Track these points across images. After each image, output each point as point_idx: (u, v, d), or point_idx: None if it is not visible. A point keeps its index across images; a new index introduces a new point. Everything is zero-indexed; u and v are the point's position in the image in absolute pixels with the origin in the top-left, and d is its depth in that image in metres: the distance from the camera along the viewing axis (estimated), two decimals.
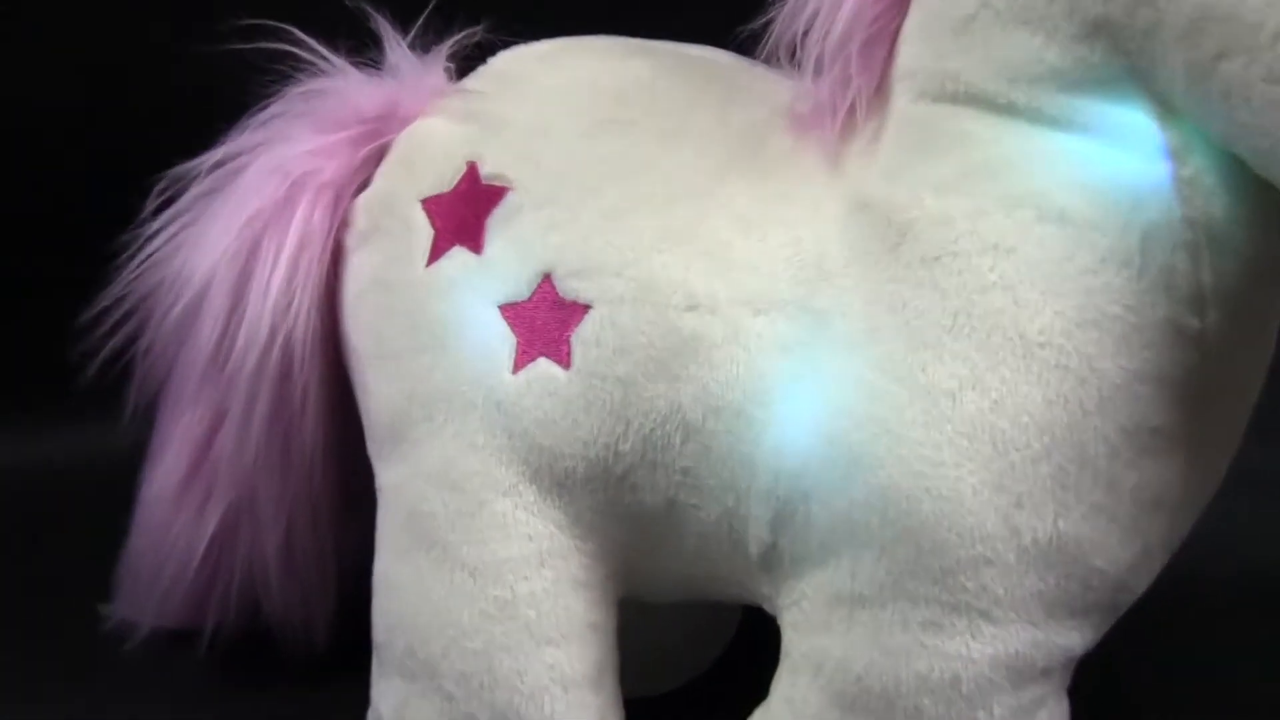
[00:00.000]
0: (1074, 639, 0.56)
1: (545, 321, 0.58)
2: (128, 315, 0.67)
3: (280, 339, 0.64)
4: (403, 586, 0.63)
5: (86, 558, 0.72)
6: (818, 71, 0.57)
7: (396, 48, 0.66)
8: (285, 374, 0.65)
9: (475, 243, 0.60)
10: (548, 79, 0.64)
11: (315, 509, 0.70)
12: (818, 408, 0.55)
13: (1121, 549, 0.54)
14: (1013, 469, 0.52)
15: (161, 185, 0.65)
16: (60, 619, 0.74)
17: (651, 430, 0.57)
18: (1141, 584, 0.57)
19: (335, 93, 0.67)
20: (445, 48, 0.66)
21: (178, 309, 0.66)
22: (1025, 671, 0.55)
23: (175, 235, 0.66)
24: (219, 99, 0.64)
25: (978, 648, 0.54)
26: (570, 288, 0.57)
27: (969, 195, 0.53)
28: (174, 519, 0.70)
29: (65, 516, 0.78)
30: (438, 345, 0.61)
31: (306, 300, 0.64)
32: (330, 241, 0.65)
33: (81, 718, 0.71)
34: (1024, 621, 0.54)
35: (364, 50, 0.66)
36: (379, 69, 0.66)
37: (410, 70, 0.66)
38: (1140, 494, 0.54)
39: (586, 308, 0.57)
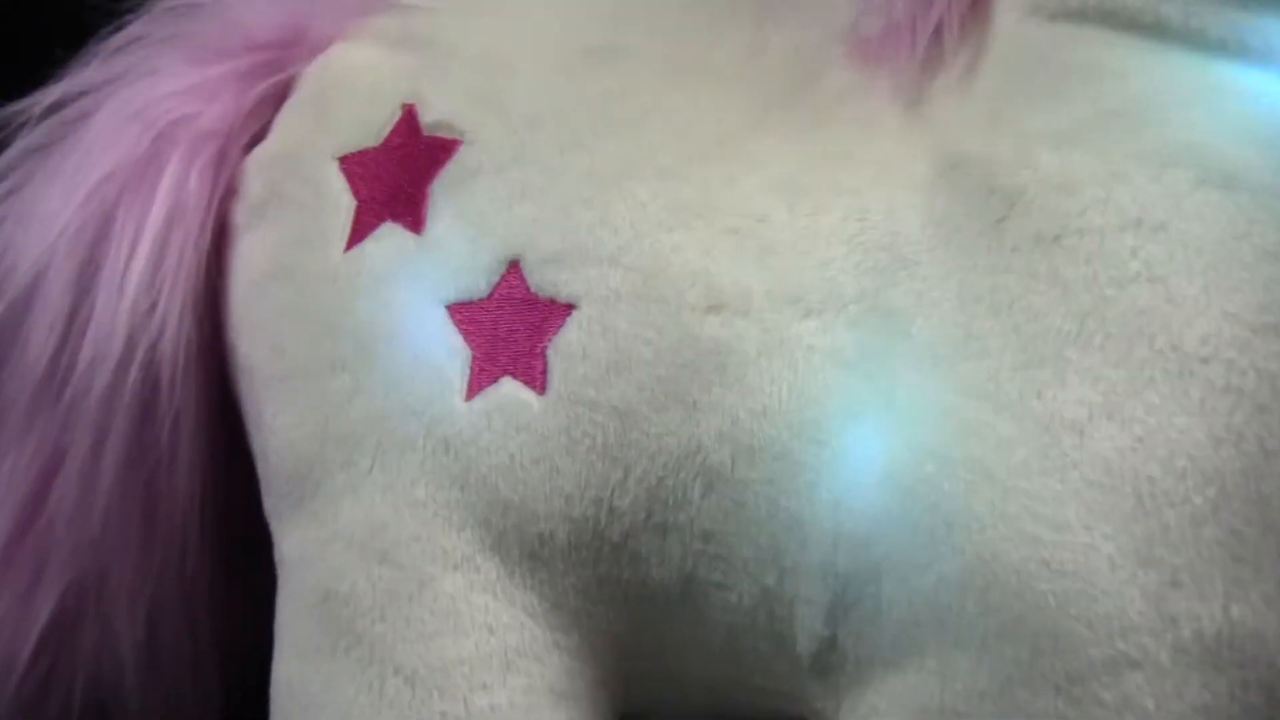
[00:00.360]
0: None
1: (512, 327, 0.47)
2: None
3: (140, 354, 0.51)
4: (311, 698, 0.51)
5: None
6: None
7: None
8: (147, 402, 0.52)
9: (414, 218, 0.49)
10: None
11: (188, 591, 0.57)
12: (892, 447, 0.44)
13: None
14: (1166, 533, 0.43)
15: None
16: None
17: (660, 480, 0.46)
18: None
19: (218, 9, 0.56)
20: None
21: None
22: None
23: None
24: (55, 19, 0.55)
25: None
26: (546, 280, 0.47)
27: (1101, 151, 0.44)
28: None
29: None
30: (362, 361, 0.49)
31: (177, 298, 0.52)
32: (211, 216, 0.53)
33: None
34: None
35: None
36: None
37: None
38: None
39: (569, 308, 0.47)
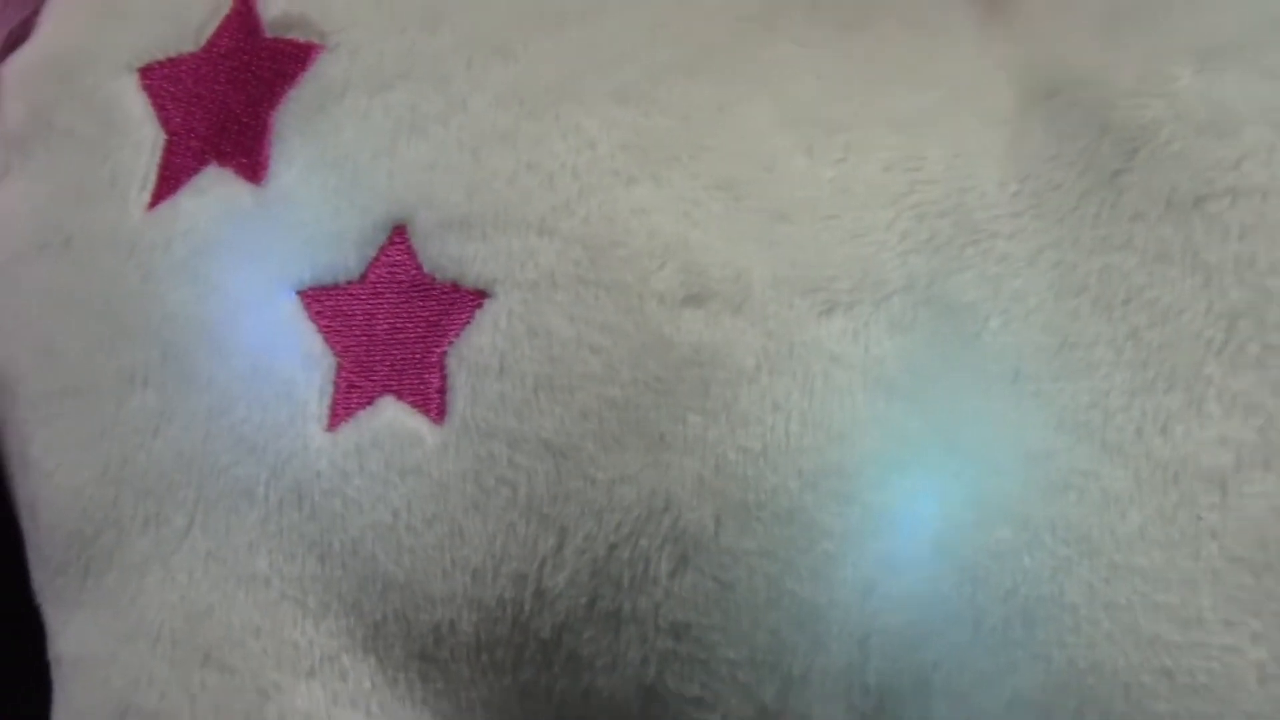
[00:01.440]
0: None
1: (395, 324, 0.34)
2: None
3: None
4: None
5: None
6: None
7: None
8: None
9: (251, 160, 0.35)
10: None
11: None
12: (950, 506, 0.33)
13: None
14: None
15: None
16: None
17: (612, 549, 0.34)
18: None
19: None
20: None
21: None
22: None
23: None
24: None
25: None
26: (447, 255, 0.33)
27: (1269, 74, 0.33)
28: None
29: None
30: (174, 372, 0.35)
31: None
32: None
33: None
34: None
35: None
36: None
37: None
38: None
39: (480, 296, 0.33)
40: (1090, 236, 0.33)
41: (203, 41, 0.36)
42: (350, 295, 0.33)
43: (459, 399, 0.33)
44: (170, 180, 0.34)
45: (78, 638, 0.37)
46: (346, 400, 0.33)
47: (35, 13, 0.38)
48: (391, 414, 0.33)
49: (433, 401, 0.33)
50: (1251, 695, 0.32)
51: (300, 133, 0.35)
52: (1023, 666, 0.33)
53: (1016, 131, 0.34)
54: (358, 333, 0.34)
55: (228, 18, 0.36)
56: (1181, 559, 0.31)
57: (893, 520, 0.33)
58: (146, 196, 0.35)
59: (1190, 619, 0.32)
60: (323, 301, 0.33)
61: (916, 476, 0.33)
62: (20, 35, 0.38)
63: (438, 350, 0.33)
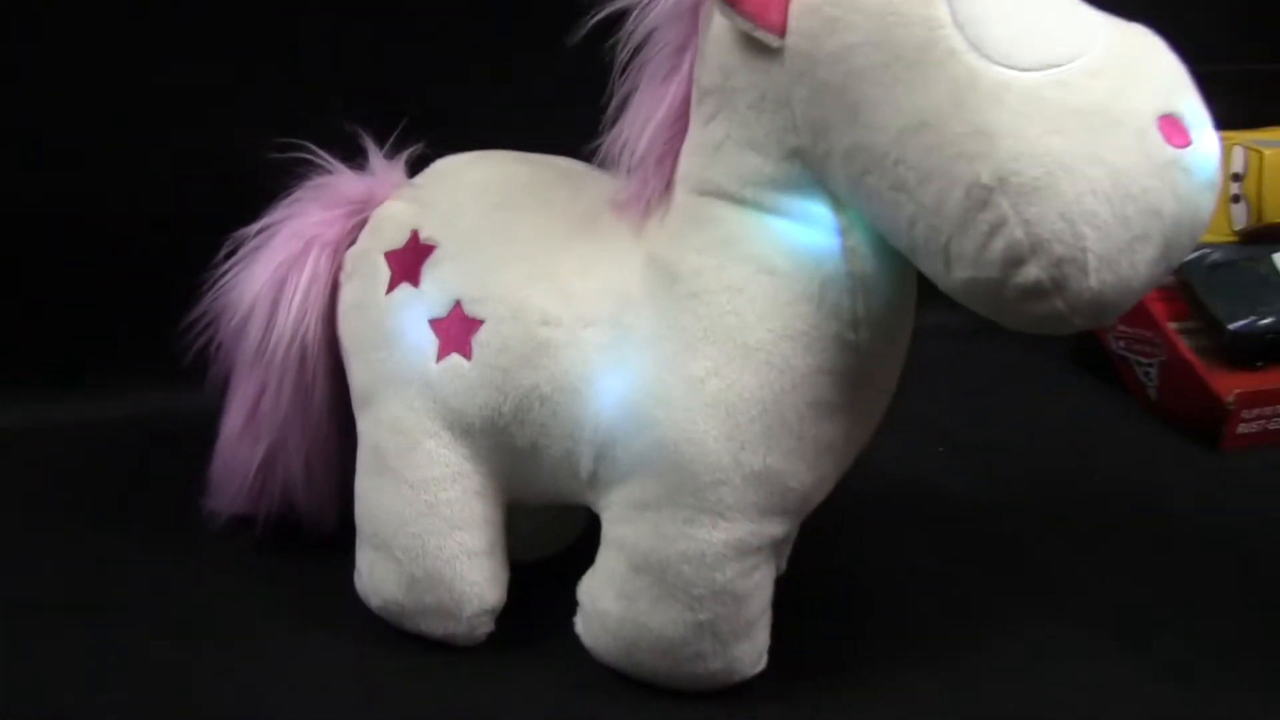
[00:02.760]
0: (777, 529, 0.68)
1: (456, 331, 0.70)
2: (210, 322, 0.78)
3: (298, 341, 0.76)
4: (370, 493, 0.74)
5: (190, 473, 0.85)
6: (629, 175, 0.67)
7: (375, 155, 0.79)
8: (301, 363, 0.77)
9: (415, 280, 0.72)
10: (461, 177, 0.75)
11: (323, 445, 0.80)
12: (622, 387, 0.67)
13: (807, 476, 0.66)
14: (739, 427, 0.64)
15: (230, 242, 0.78)
16: (171, 510, 0.87)
17: (520, 399, 0.68)
18: (820, 496, 0.69)
19: (334, 184, 0.78)
20: (403, 156, 0.79)
21: (236, 320, 0.77)
22: (745, 549, 0.67)
23: (236, 273, 0.77)
24: (266, 186, 0.78)
25: (716, 535, 0.66)
26: (472, 310, 0.69)
27: (716, 255, 0.64)
28: (237, 451, 0.81)
29: (175, 448, 0.90)
30: (391, 345, 0.72)
31: (314, 316, 0.76)
32: (330, 279, 0.76)
33: (182, 571, 0.83)
34: (745, 520, 0.66)
35: (355, 157, 0.79)
36: (364, 169, 0.78)
37: (382, 170, 0.78)
38: (819, 443, 0.65)
39: (481, 322, 0.69)
40: (664, 304, 0.64)
41: (403, 244, 0.72)
42: (443, 322, 0.69)
43: (474, 354, 0.68)
44: (391, 286, 0.72)
45: (362, 425, 0.74)
46: (441, 354, 0.69)
47: (356, 236, 0.76)
48: (455, 359, 0.68)
49: (467, 354, 0.68)
50: (712, 446, 0.65)
51: (429, 273, 0.71)
52: (644, 436, 0.65)
53: (643, 272, 0.65)
54: (445, 333, 0.69)
55: (410, 238, 0.72)
56: (690, 403, 0.63)
57: (605, 393, 0.66)
58: (385, 291, 0.72)
59: (692, 422, 0.64)
60: (435, 324, 0.69)
61: (612, 379, 0.65)
62: (352, 242, 0.76)
63: (469, 338, 0.68)
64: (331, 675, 0.74)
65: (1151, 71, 0.57)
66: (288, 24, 1.00)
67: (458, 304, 0.70)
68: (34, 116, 0.98)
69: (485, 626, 0.75)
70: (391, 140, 0.79)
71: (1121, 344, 1.15)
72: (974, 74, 0.56)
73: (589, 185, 0.72)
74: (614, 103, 0.68)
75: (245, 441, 0.81)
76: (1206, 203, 0.58)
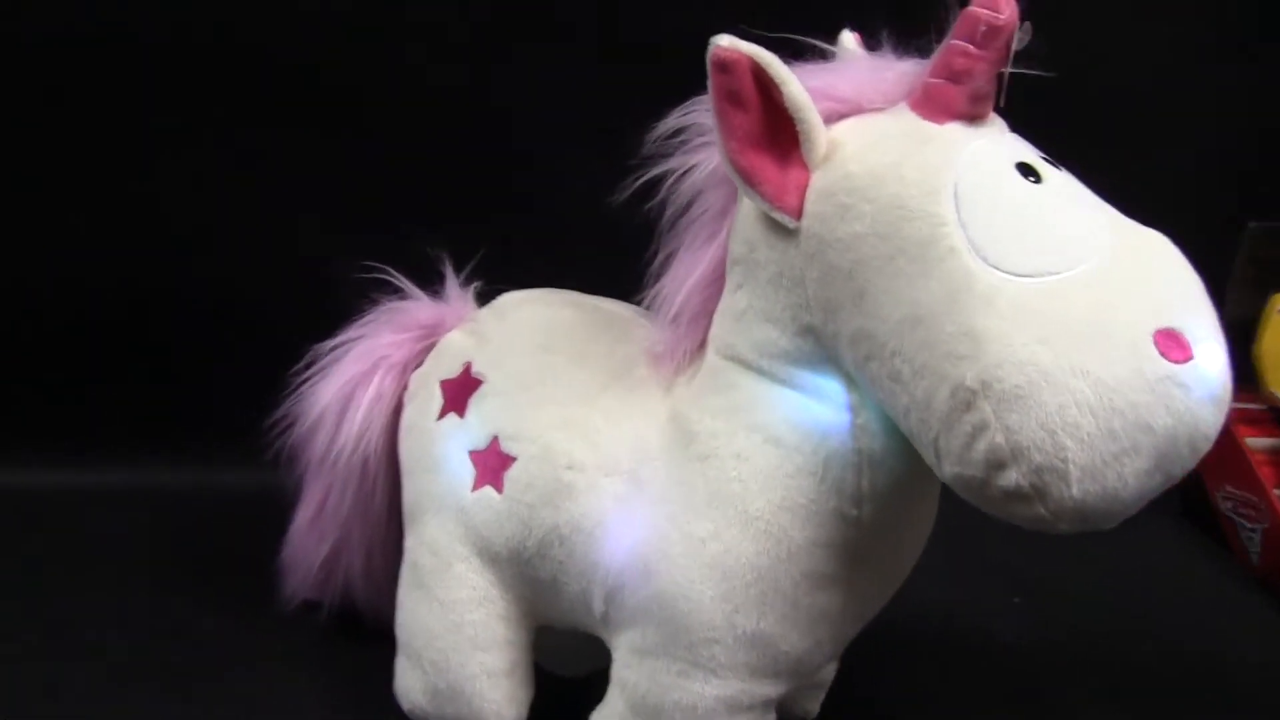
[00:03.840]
0: (769, 690, 0.67)
1: (491, 464, 0.72)
2: (290, 425, 0.82)
3: (360, 453, 0.79)
4: (406, 605, 0.77)
5: (268, 556, 0.90)
6: (666, 330, 0.68)
7: (452, 283, 0.82)
8: (363, 473, 0.80)
9: (461, 411, 0.74)
10: (516, 315, 0.77)
11: (382, 546, 0.83)
12: (632, 537, 0.67)
13: (800, 642, 0.66)
14: (734, 590, 0.64)
15: (309, 356, 0.82)
16: (252, 593, 0.92)
17: (543, 536, 0.70)
18: (817, 661, 0.69)
19: (408, 309, 0.81)
20: (472, 289, 0.82)
21: (308, 425, 0.81)
22: (737, 706, 0.67)
23: (312, 383, 0.81)
24: (345, 306, 0.82)
25: (708, 689, 0.66)
26: (507, 446, 0.71)
27: (728, 420, 0.64)
28: (305, 543, 0.85)
29: (256, 531, 0.93)
30: (436, 469, 0.75)
31: (377, 430, 0.79)
32: (395, 398, 0.79)
33: (245, 646, 0.89)
34: (736, 679, 0.66)
35: (432, 281, 0.83)
36: (439, 295, 0.82)
37: (455, 298, 0.81)
38: (812, 611, 0.65)
39: (514, 459, 0.71)
40: (678, 462, 0.65)
41: (457, 374, 0.75)
42: (481, 454, 0.71)
43: (505, 488, 0.70)
44: (442, 414, 0.74)
45: (407, 540, 0.76)
46: (477, 485, 0.71)
47: (422, 360, 0.79)
48: (488, 490, 0.70)
49: (499, 488, 0.70)
50: (708, 605, 0.64)
51: (474, 405, 0.73)
52: (646, 586, 0.65)
53: (664, 427, 0.66)
54: (482, 464, 0.71)
55: (463, 369, 0.74)
56: (690, 562, 0.64)
57: (617, 540, 0.66)
58: (436, 417, 0.74)
59: (690, 580, 0.64)
60: (474, 455, 0.72)
61: (624, 528, 0.66)
62: (418, 365, 0.80)
63: (502, 473, 0.70)
64: None
65: (1153, 284, 0.56)
66: (388, 148, 1.08)
67: (495, 439, 0.72)
68: (167, 206, 1.10)
69: None
70: (467, 270, 0.83)
71: (1229, 505, 1.10)
72: (970, 275, 0.56)
73: (631, 334, 0.73)
74: (658, 259, 0.68)
75: (312, 536, 0.85)
76: (1209, 417, 0.56)
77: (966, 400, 0.55)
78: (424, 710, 0.78)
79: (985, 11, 0.58)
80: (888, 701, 0.85)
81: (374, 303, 0.82)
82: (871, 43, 0.66)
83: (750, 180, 0.61)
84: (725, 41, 0.58)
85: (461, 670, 0.75)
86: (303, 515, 0.85)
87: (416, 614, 0.77)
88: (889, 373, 0.57)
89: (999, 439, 0.54)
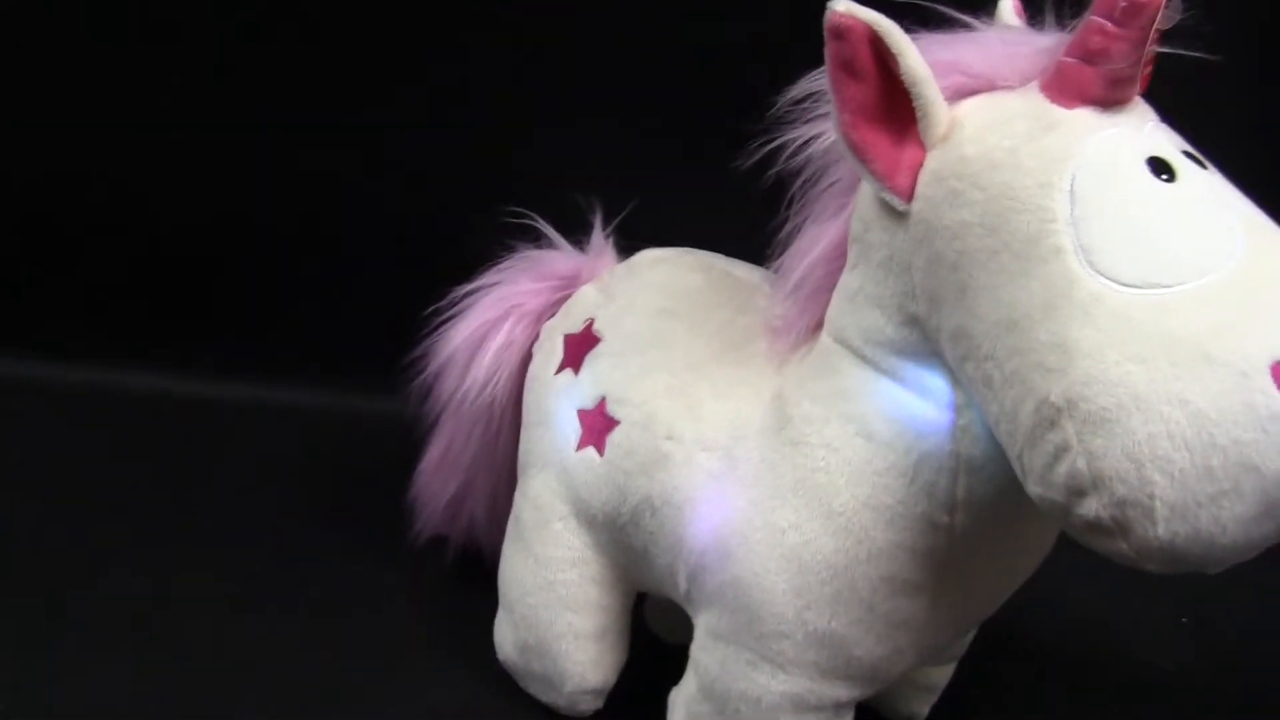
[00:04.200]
0: (840, 693, 0.65)
1: (597, 425, 0.71)
2: (426, 365, 0.83)
3: (487, 396, 0.79)
4: (506, 556, 0.79)
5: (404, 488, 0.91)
6: (785, 304, 0.66)
7: (598, 234, 0.81)
8: (489, 418, 0.81)
9: (577, 368, 0.74)
10: (646, 274, 0.76)
11: (507, 490, 0.82)
12: (718, 517, 0.66)
13: (876, 647, 0.63)
14: (808, 585, 0.62)
15: (445, 299, 0.82)
16: (384, 525, 0.94)
17: (637, 504, 0.69)
18: (898, 668, 0.65)
19: (547, 258, 0.82)
20: (611, 242, 0.81)
21: (439, 366, 0.81)
22: (803, 705, 0.65)
23: (447, 327, 0.81)
24: (489, 250, 0.83)
25: (775, 684, 0.65)
26: (613, 409, 0.70)
27: (826, 407, 0.62)
28: (433, 482, 0.86)
29: (398, 465, 0.93)
30: (546, 423, 0.75)
31: (504, 377, 0.79)
32: (525, 347, 0.79)
33: (369, 578, 0.91)
34: (804, 676, 0.64)
35: (581, 231, 0.82)
36: (582, 246, 0.82)
37: (598, 251, 0.81)
38: (891, 617, 0.62)
39: (618, 422, 0.70)
40: (772, 444, 0.62)
41: (580, 330, 0.74)
42: (587, 413, 0.70)
43: (607, 451, 0.69)
44: (560, 369, 0.74)
45: (519, 490, 0.76)
46: (581, 445, 0.70)
47: (556, 311, 0.80)
48: (590, 451, 0.70)
49: (601, 450, 0.69)
50: (780, 597, 0.62)
51: (589, 364, 0.72)
52: (725, 570, 0.64)
53: (767, 407, 0.63)
54: (588, 425, 0.70)
55: (586, 325, 0.74)
56: (768, 551, 0.62)
57: (705, 518, 0.65)
58: (554, 371, 0.74)
59: (766, 570, 0.62)
60: (581, 414, 0.71)
61: (713, 506, 0.64)
62: (551, 315, 0.79)
63: (605, 436, 0.69)
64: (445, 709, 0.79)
65: None
66: (546, 95, 1.06)
67: (603, 400, 0.71)
68: (332, 143, 1.12)
69: (587, 704, 0.77)
70: (616, 222, 0.81)
71: None
72: (1072, 281, 0.51)
73: (756, 304, 0.71)
74: (786, 228, 0.66)
75: (440, 475, 0.86)
76: None
77: (1051, 417, 0.50)
78: (514, 663, 0.79)
79: None
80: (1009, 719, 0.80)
81: (512, 249, 0.82)
82: (1034, 15, 0.61)
83: (862, 156, 0.57)
84: (842, 6, 0.54)
85: (550, 628, 0.75)
86: (432, 453, 0.86)
87: (514, 566, 0.77)
88: (982, 377, 0.53)
89: (1080, 464, 0.49)
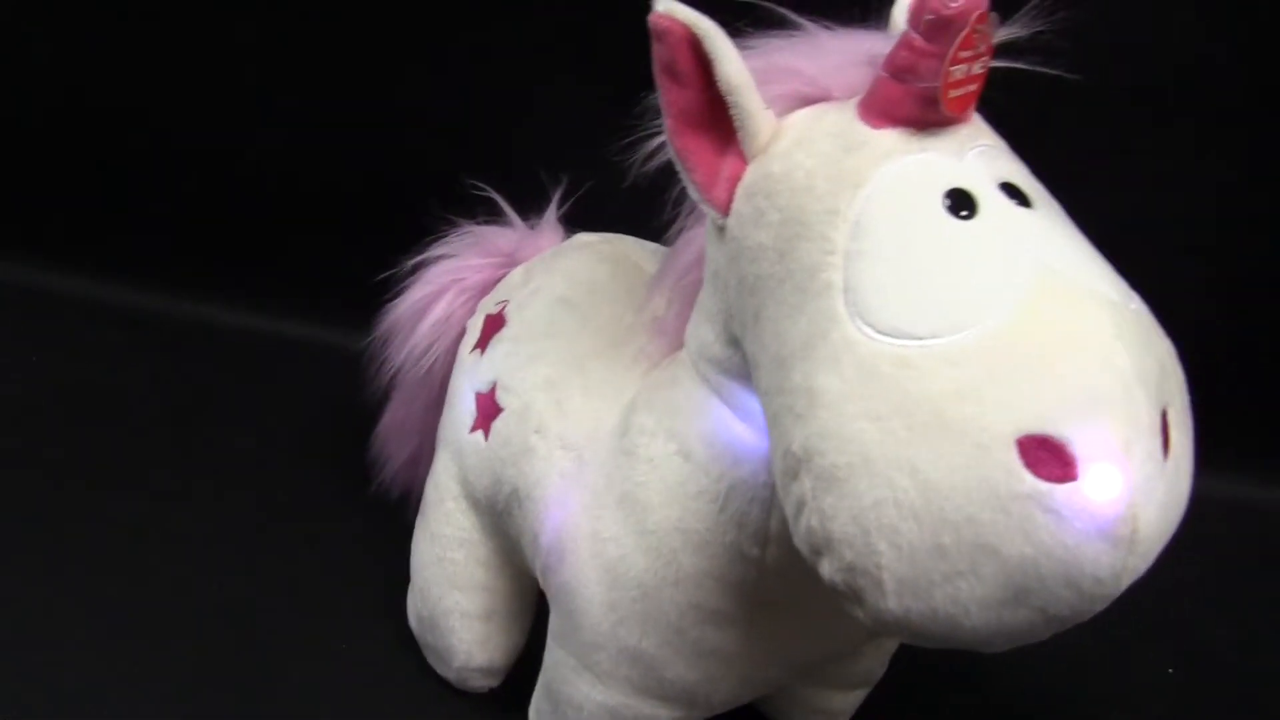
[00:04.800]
0: (659, 712, 0.63)
1: (487, 410, 0.70)
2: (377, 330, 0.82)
3: (424, 365, 0.79)
4: (416, 528, 0.79)
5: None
6: (662, 305, 0.63)
7: (552, 211, 0.81)
8: (428, 387, 0.80)
9: (483, 349, 0.73)
10: (564, 260, 0.74)
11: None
12: (561, 517, 0.64)
13: (687, 672, 0.61)
14: (621, 601, 0.60)
15: (396, 270, 0.81)
16: (343, 479, 0.95)
17: (509, 494, 0.68)
18: (717, 697, 0.62)
19: (494, 235, 0.80)
20: (558, 221, 0.80)
21: (385, 334, 0.81)
22: (623, 717, 0.63)
23: (396, 299, 0.81)
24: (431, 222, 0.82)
25: (594, 694, 0.63)
26: (500, 395, 0.69)
27: (658, 420, 0.60)
28: (389, 442, 0.87)
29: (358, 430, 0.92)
30: (452, 402, 0.75)
31: (441, 349, 0.78)
32: (462, 321, 0.78)
33: (345, 522, 0.92)
34: (620, 692, 0.62)
35: (537, 210, 0.81)
36: (534, 224, 0.81)
37: (547, 230, 0.80)
38: (700, 645, 0.60)
39: (502, 409, 0.69)
40: (610, 451, 0.61)
41: (497, 311, 0.73)
42: (482, 396, 0.69)
43: (491, 436, 0.68)
44: (475, 347, 0.73)
45: (436, 458, 0.76)
46: (475, 428, 0.69)
47: (492, 289, 0.79)
48: (479, 435, 0.68)
49: (487, 435, 0.68)
50: (597, 610, 0.61)
51: (491, 346, 0.71)
52: (559, 571, 0.62)
53: (621, 412, 0.61)
54: (481, 408, 0.69)
55: (502, 307, 0.72)
56: (589, 560, 0.60)
57: (552, 513, 0.63)
58: (471, 349, 0.74)
59: (587, 580, 0.60)
60: (478, 396, 0.69)
61: (560, 503, 0.62)
62: (486, 293, 0.79)
63: (491, 421, 0.68)
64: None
65: (1050, 373, 0.43)
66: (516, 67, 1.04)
67: (494, 385, 0.70)
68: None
69: (476, 681, 0.77)
70: (570, 200, 0.80)
71: None
72: (831, 321, 0.47)
73: (640, 298, 0.67)
74: (671, 230, 0.62)
75: (395, 437, 0.87)
76: (1099, 558, 0.43)
77: (794, 468, 0.47)
78: (416, 632, 0.80)
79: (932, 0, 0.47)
80: None
81: (453, 224, 0.81)
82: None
83: (684, 163, 0.53)
84: (662, 6, 0.51)
85: (439, 604, 0.76)
86: (388, 416, 0.86)
87: (416, 539, 0.79)
88: (771, 416, 0.50)
89: (815, 522, 0.46)
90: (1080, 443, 0.42)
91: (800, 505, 0.46)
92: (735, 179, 0.53)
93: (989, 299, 0.45)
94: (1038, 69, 0.52)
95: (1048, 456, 0.42)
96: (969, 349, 0.44)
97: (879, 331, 0.45)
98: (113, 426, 1.03)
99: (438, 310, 0.78)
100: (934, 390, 0.43)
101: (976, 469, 0.42)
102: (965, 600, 0.44)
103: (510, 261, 0.79)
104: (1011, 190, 0.49)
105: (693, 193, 0.54)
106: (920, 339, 0.45)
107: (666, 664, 0.60)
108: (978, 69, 0.49)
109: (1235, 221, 0.99)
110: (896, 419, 0.44)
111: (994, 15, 0.48)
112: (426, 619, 0.77)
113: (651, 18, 0.51)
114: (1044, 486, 0.42)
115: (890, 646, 0.73)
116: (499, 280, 0.78)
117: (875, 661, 0.73)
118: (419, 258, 0.81)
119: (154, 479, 0.97)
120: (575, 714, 0.65)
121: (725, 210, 0.53)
